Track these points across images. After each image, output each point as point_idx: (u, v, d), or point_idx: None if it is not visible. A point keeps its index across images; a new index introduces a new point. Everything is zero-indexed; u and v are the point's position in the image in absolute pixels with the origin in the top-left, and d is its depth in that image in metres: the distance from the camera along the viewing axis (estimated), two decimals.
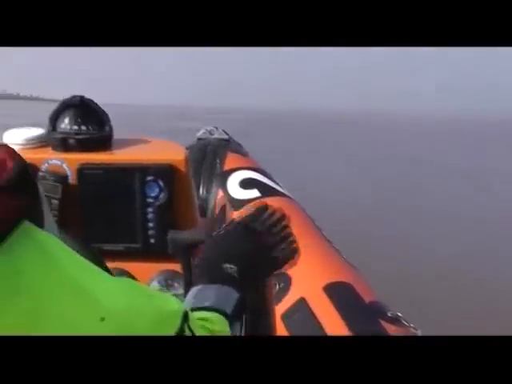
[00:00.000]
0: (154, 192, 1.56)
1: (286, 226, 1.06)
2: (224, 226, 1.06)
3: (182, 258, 1.31)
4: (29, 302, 0.51)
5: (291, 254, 1.04)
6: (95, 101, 1.64)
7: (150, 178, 1.55)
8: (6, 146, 0.57)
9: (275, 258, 1.01)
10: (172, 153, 1.64)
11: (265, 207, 1.06)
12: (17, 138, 1.66)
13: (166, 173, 1.55)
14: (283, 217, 1.07)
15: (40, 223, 0.57)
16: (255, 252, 0.98)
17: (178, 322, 0.61)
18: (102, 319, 0.53)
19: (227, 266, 0.92)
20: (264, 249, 0.99)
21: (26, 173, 0.54)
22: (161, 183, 1.55)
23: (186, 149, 3.09)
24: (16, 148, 1.53)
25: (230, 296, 0.87)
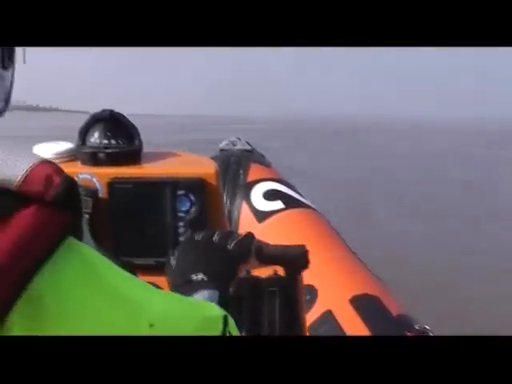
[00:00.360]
0: (185, 206, 1.55)
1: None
2: (184, 239, 1.20)
3: None
4: (75, 313, 0.52)
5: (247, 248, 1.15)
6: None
7: (180, 191, 1.54)
8: (50, 162, 0.57)
9: (234, 256, 1.12)
10: (202, 166, 1.63)
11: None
12: (46, 152, 1.66)
13: (196, 187, 1.54)
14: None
15: (80, 237, 0.58)
16: (217, 257, 1.09)
17: (220, 326, 0.65)
18: (151, 325, 0.55)
19: (196, 276, 1.03)
20: (223, 251, 1.10)
21: (72, 189, 0.55)
22: (191, 197, 1.54)
23: None
24: None
25: (212, 298, 0.98)
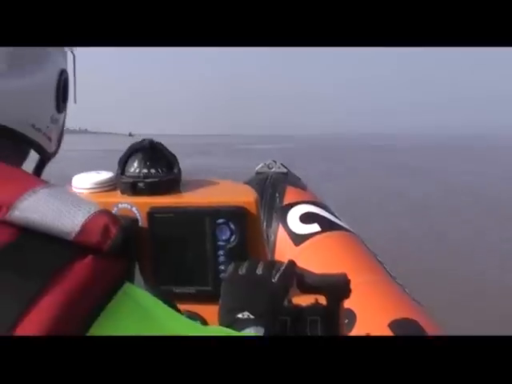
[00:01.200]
0: (226, 235, 1.54)
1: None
2: (228, 273, 1.17)
3: None
4: None
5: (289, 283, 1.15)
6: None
7: (221, 220, 1.54)
8: (107, 212, 0.58)
9: (279, 290, 1.11)
10: (242, 195, 1.62)
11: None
12: (86, 182, 1.67)
13: (237, 215, 1.54)
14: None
15: (133, 280, 0.58)
16: (263, 293, 1.08)
17: None
18: None
19: (243, 315, 1.03)
20: (267, 286, 1.10)
21: (128, 238, 0.56)
22: (232, 226, 1.54)
23: (244, 183, 3.11)
24: (85, 192, 1.54)
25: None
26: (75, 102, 0.91)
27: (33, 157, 0.85)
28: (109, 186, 1.69)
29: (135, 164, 1.63)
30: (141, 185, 1.61)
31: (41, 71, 0.78)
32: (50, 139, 0.85)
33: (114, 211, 1.58)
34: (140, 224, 1.57)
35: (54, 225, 0.53)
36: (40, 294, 0.49)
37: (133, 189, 1.61)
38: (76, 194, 0.62)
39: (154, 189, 1.61)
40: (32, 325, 0.48)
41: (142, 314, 0.56)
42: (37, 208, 0.54)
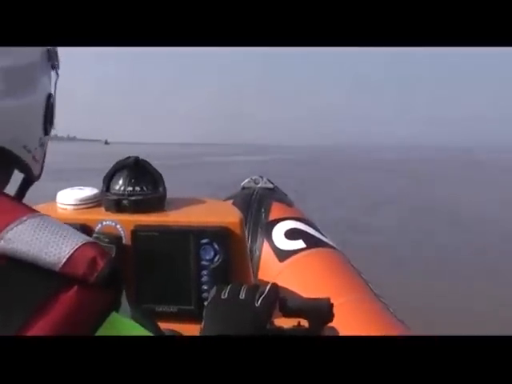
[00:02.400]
0: (209, 255, 1.54)
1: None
2: (210, 297, 1.17)
3: None
4: None
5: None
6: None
7: (205, 240, 1.53)
8: (94, 243, 0.58)
9: (262, 313, 1.10)
10: (227, 215, 1.62)
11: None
12: (70, 198, 1.66)
13: (221, 236, 1.54)
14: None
15: (119, 308, 0.58)
16: (246, 316, 1.08)
17: None
18: None
19: None
20: (251, 310, 1.09)
21: (115, 271, 0.55)
22: (216, 246, 1.53)
23: (230, 198, 3.10)
24: (69, 208, 1.53)
25: None
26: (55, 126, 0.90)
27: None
28: (93, 203, 1.68)
29: (120, 181, 1.62)
30: (125, 202, 1.60)
31: (32, 94, 0.78)
32: (37, 161, 0.85)
33: (98, 228, 1.58)
34: (124, 241, 1.57)
35: (41, 255, 0.53)
36: (25, 325, 0.49)
37: (117, 206, 1.60)
38: (65, 225, 0.61)
39: (138, 206, 1.60)
40: None
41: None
42: (23, 238, 0.54)
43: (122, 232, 1.57)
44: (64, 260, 0.53)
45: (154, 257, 1.55)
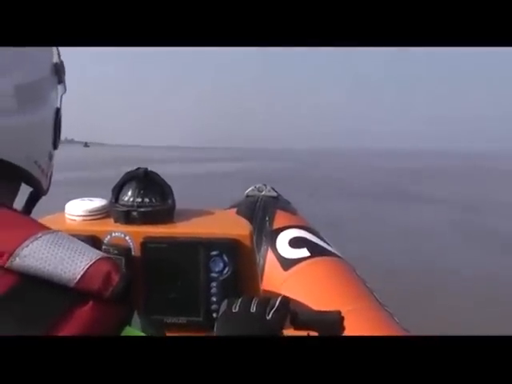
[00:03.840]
0: (219, 267, 1.54)
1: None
2: (222, 311, 1.17)
3: None
4: None
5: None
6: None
7: (214, 252, 1.53)
8: (109, 258, 0.59)
9: (273, 327, 1.11)
10: (237, 227, 1.62)
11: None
12: (78, 209, 1.66)
13: (231, 248, 1.54)
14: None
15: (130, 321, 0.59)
16: (258, 330, 1.08)
17: None
18: None
19: None
20: (262, 323, 1.10)
21: (128, 286, 0.57)
22: (225, 258, 1.53)
23: (234, 206, 3.11)
24: (78, 219, 1.53)
25: None
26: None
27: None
28: (101, 214, 1.69)
29: (129, 192, 1.62)
30: (134, 214, 1.60)
31: (42, 109, 0.78)
32: (46, 176, 0.85)
33: (107, 239, 1.58)
34: (133, 253, 1.57)
35: (56, 272, 0.54)
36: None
37: (126, 217, 1.60)
38: (79, 241, 0.62)
39: (147, 218, 1.60)
40: None
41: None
42: (38, 255, 0.54)
43: (131, 243, 1.57)
44: (79, 276, 0.54)
45: (164, 268, 1.55)
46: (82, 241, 1.61)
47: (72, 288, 0.54)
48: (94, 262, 0.56)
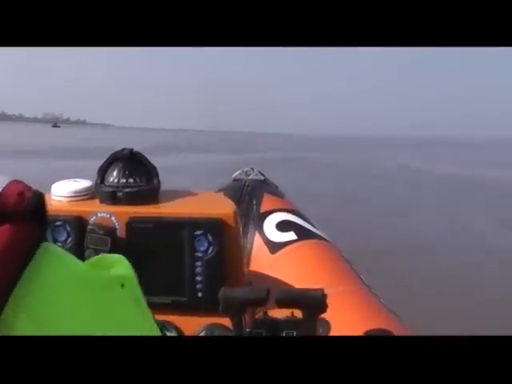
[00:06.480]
0: (203, 246, 1.55)
1: None
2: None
3: (233, 316, 1.30)
4: (63, 306, 0.56)
5: None
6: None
7: (199, 232, 1.54)
8: (20, 181, 0.61)
9: None
10: (221, 207, 1.63)
11: None
12: (64, 190, 1.67)
13: (215, 227, 1.55)
14: None
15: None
16: None
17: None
18: (122, 286, 0.62)
19: None
20: None
21: (40, 201, 0.59)
22: (210, 238, 1.54)
23: (221, 190, 3.10)
24: (64, 200, 1.54)
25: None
26: None
27: None
28: (87, 195, 1.69)
29: (115, 173, 1.63)
30: (120, 194, 1.61)
31: None
32: None
33: (92, 219, 1.59)
34: (118, 233, 1.58)
35: None
36: None
37: (112, 198, 1.61)
38: None
39: (133, 198, 1.61)
40: None
41: (63, 260, 0.60)
42: None
43: (116, 224, 1.58)
44: None
45: (148, 248, 1.56)
46: (68, 221, 1.61)
47: None
48: (8, 183, 0.58)
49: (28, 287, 0.54)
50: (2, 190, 0.57)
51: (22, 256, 0.55)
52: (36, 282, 0.55)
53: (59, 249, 0.62)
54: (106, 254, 0.70)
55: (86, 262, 0.67)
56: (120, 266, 0.68)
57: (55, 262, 0.59)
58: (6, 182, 0.58)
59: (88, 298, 0.58)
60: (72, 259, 0.62)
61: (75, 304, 0.57)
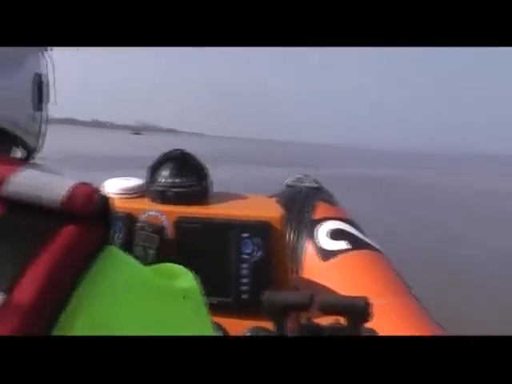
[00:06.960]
0: (250, 249, 1.55)
1: None
2: None
3: (276, 320, 1.30)
4: (123, 312, 0.56)
5: None
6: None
7: (246, 234, 1.55)
8: (91, 184, 0.61)
9: None
10: (269, 210, 1.63)
11: None
12: (116, 187, 1.70)
13: (262, 230, 1.55)
14: None
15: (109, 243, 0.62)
16: None
17: None
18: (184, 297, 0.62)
19: None
20: None
21: (107, 204, 0.59)
22: (256, 240, 1.55)
23: (274, 196, 3.11)
24: (115, 197, 1.57)
25: None
26: (55, 103, 0.95)
27: None
28: (137, 193, 1.72)
29: (165, 173, 1.65)
30: (170, 194, 1.63)
31: (18, 73, 0.82)
32: (32, 135, 0.89)
33: (142, 217, 1.61)
34: (167, 232, 1.59)
35: (42, 194, 0.57)
36: (33, 256, 0.53)
37: (162, 197, 1.63)
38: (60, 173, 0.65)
39: (182, 198, 1.63)
40: (29, 282, 0.51)
41: (127, 264, 0.60)
42: (26, 182, 0.58)
43: (165, 222, 1.60)
44: (64, 196, 0.57)
45: (196, 248, 1.57)
46: (119, 218, 1.64)
47: (56, 209, 0.56)
48: (77, 184, 0.58)
49: (91, 288, 0.54)
50: (73, 188, 0.57)
51: (86, 257, 0.56)
52: (99, 284, 0.55)
53: (124, 253, 0.62)
54: (169, 263, 0.70)
55: (150, 267, 0.67)
56: (185, 278, 0.68)
57: (120, 265, 0.59)
58: (77, 182, 0.59)
59: (149, 304, 0.59)
60: (136, 264, 0.63)
61: (136, 308, 0.57)
